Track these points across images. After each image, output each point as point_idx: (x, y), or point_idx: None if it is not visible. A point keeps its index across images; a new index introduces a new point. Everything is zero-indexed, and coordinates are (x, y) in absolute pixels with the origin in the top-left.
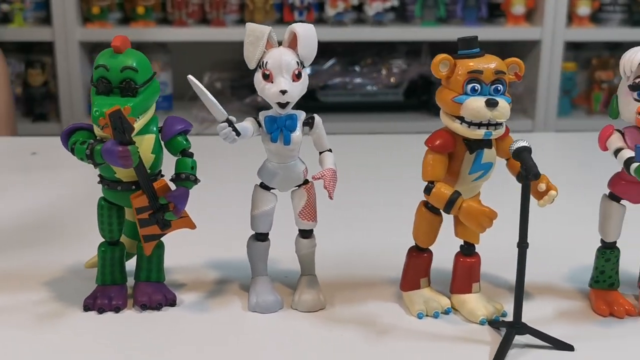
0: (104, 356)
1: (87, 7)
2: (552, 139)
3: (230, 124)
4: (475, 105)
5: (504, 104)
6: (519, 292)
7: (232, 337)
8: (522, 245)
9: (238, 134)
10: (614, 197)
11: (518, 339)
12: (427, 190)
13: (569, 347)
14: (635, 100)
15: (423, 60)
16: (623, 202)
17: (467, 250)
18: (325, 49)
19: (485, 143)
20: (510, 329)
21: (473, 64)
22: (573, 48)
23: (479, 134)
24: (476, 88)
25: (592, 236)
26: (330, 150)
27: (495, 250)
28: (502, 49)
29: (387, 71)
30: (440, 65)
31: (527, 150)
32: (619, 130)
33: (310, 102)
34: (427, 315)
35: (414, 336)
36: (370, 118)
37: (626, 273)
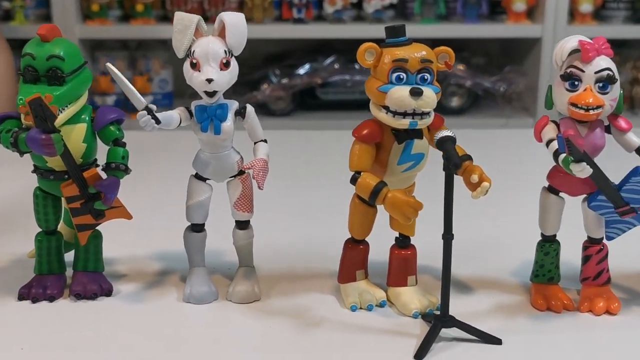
0: (30, 345)
1: (87, 5)
2: None
3: (150, 112)
4: (399, 94)
5: (429, 93)
6: (445, 284)
7: (162, 328)
8: (447, 236)
9: (158, 122)
10: (552, 189)
11: (447, 332)
12: (353, 181)
13: (497, 341)
14: (567, 90)
15: None
16: (563, 195)
17: (402, 242)
18: (324, 46)
19: (415, 133)
20: (437, 321)
21: (399, 52)
22: None
23: (404, 123)
24: (401, 77)
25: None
26: (264, 141)
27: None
28: (503, 47)
29: None
30: (365, 54)
31: (450, 140)
32: (554, 122)
33: (310, 100)
34: (361, 308)
35: (343, 328)
36: (370, 116)
37: (572, 267)
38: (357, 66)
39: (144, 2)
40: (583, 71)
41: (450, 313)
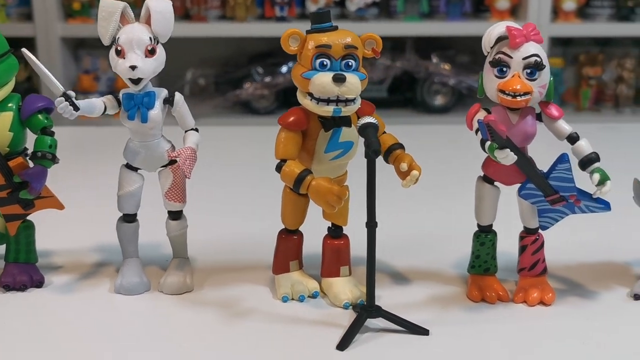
0: None
1: (68, 3)
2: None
3: (68, 98)
4: (322, 80)
5: (353, 80)
6: (370, 273)
7: (89, 318)
8: (370, 225)
9: (76, 108)
10: (487, 179)
11: (375, 323)
12: (278, 169)
13: (424, 332)
14: (496, 77)
15: (407, 57)
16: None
17: (335, 232)
18: None
19: (343, 121)
20: (362, 311)
21: (323, 38)
22: (561, 44)
23: (327, 110)
24: (325, 63)
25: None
26: (195, 130)
27: (385, 235)
28: (480, 44)
29: (371, 67)
30: (289, 40)
31: (371, 126)
32: (486, 109)
33: (293, 98)
34: (292, 299)
35: (272, 319)
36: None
37: (514, 259)
38: None
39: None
40: (511, 57)
41: (384, 304)
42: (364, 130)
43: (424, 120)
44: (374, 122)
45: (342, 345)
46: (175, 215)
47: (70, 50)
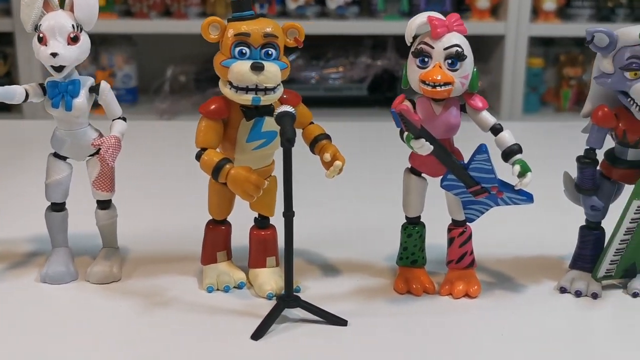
0: None
1: None
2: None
3: None
4: (240, 68)
5: (271, 69)
6: (289, 263)
7: (12, 307)
8: (287, 214)
9: None
10: (414, 171)
11: (296, 313)
12: (197, 157)
13: (343, 322)
14: (418, 67)
15: (388, 55)
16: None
17: (261, 223)
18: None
19: (266, 111)
20: (280, 302)
21: (242, 26)
22: (542, 44)
23: (246, 99)
24: (244, 51)
25: (435, 217)
26: (122, 119)
27: (326, 228)
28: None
29: (351, 66)
30: (209, 28)
31: (288, 115)
32: (412, 100)
33: None
34: (218, 289)
35: (194, 309)
36: (334, 113)
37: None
38: (321, 63)
39: None
40: (432, 48)
41: (310, 294)
42: (280, 118)
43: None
44: (291, 110)
45: (257, 334)
46: (104, 204)
47: None
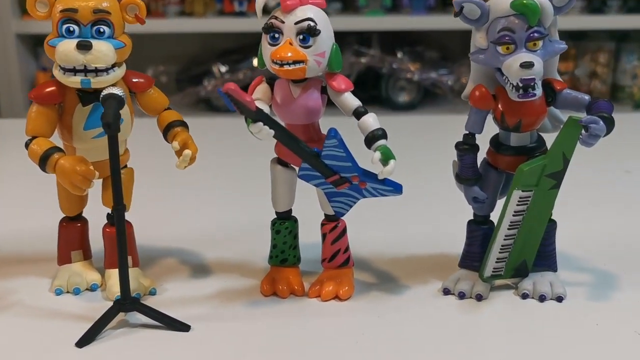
0: None
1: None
2: None
3: None
4: (64, 47)
5: (101, 47)
6: (122, 262)
7: None
8: (118, 208)
9: None
10: (280, 161)
11: (139, 318)
12: (26, 146)
13: (185, 328)
14: (269, 44)
15: (372, 52)
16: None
17: (114, 219)
18: None
19: None
20: (114, 305)
21: (70, 2)
22: None
23: (74, 81)
24: (72, 29)
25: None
26: None
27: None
28: (462, 40)
29: None
30: (36, 4)
31: (113, 97)
32: (271, 81)
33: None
34: (67, 292)
35: (31, 313)
36: None
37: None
38: None
39: None
40: (283, 22)
41: (167, 297)
42: (104, 101)
43: (390, 119)
44: (118, 93)
45: (82, 341)
46: None
47: (29, 48)
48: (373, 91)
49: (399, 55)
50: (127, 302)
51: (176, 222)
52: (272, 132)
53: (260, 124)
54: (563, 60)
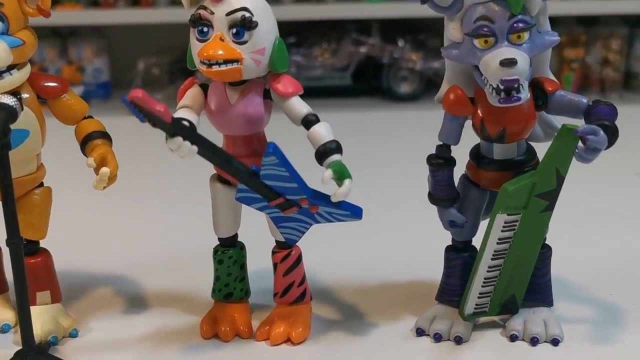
0: None
1: None
2: None
3: None
4: None
5: None
6: (23, 306)
7: None
8: (12, 242)
9: None
10: (221, 178)
11: None
12: None
13: None
14: (198, 40)
15: (373, 41)
16: None
17: (28, 248)
18: None
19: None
20: (15, 357)
21: None
22: None
23: None
24: None
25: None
26: None
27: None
28: None
29: (333, 53)
30: None
31: (1, 108)
32: (205, 83)
33: None
34: None
35: None
36: (315, 104)
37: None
38: (301, 50)
39: None
40: (213, 13)
41: (92, 338)
42: None
43: (390, 110)
44: (11, 104)
45: None
46: None
47: None
48: (373, 82)
49: (400, 44)
50: (30, 353)
51: (114, 245)
52: (196, 148)
53: (180, 139)
54: (573, 47)
